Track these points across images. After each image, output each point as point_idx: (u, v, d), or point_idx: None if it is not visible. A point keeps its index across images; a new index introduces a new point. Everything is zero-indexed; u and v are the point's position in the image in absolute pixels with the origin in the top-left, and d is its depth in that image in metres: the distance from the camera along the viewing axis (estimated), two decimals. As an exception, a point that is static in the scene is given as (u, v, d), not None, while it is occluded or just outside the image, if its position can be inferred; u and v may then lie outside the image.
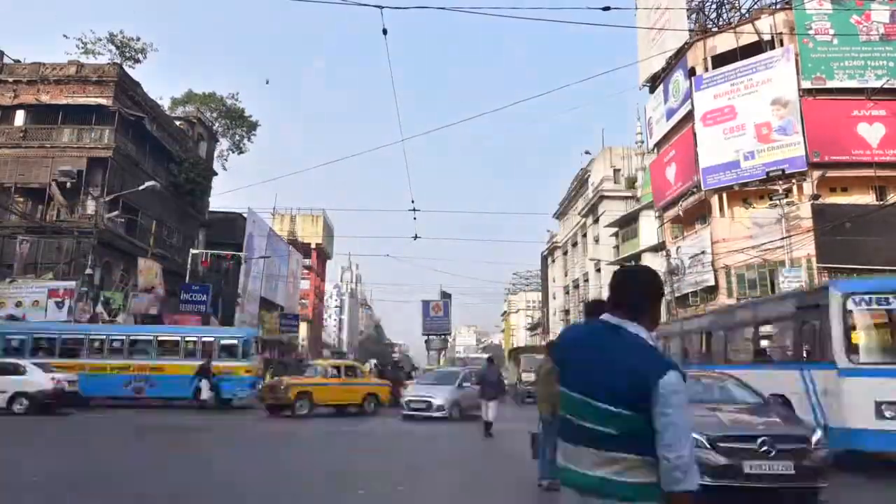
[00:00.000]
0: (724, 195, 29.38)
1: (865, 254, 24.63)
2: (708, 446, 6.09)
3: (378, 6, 10.49)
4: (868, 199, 26.48)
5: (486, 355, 30.65)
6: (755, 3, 31.98)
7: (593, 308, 3.60)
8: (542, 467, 6.94)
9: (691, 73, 31.12)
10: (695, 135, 30.27)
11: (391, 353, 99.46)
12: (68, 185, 26.06)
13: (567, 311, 58.71)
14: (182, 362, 19.24)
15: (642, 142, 44.03)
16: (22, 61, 30.01)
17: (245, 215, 38.97)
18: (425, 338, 59.35)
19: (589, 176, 51.06)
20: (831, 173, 26.97)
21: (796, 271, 25.27)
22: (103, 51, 37.64)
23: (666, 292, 30.15)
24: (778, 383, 9.62)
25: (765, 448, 6.09)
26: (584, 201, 51.94)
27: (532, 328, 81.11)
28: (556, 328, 61.42)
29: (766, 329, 11.82)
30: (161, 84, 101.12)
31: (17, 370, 15.84)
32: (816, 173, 26.82)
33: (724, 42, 30.61)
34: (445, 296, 59.75)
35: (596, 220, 47.59)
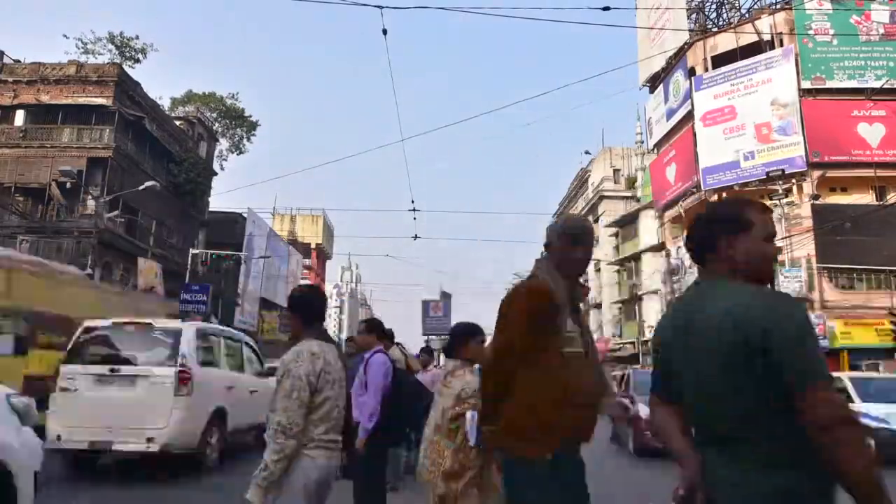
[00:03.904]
0: (724, 195, 29.39)
1: (865, 254, 24.68)
2: None
3: (378, 6, 10.50)
4: (868, 198, 26.50)
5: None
6: (755, 3, 32.03)
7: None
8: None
9: (691, 73, 31.13)
10: (695, 135, 30.29)
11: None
12: (68, 185, 26.00)
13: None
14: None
15: (642, 142, 44.05)
16: (22, 61, 30.00)
17: (245, 215, 38.96)
18: (425, 338, 59.35)
19: (589, 176, 51.09)
20: (831, 173, 26.99)
21: (796, 271, 25.31)
22: (103, 51, 37.68)
23: (666, 292, 29.90)
24: None
25: None
26: (584, 201, 51.96)
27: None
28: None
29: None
30: (161, 84, 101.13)
31: None
32: (816, 173, 26.84)
33: (724, 42, 30.63)
34: (445, 296, 59.70)
35: (596, 220, 47.59)
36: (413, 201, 29.37)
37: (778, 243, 21.99)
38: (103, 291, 15.52)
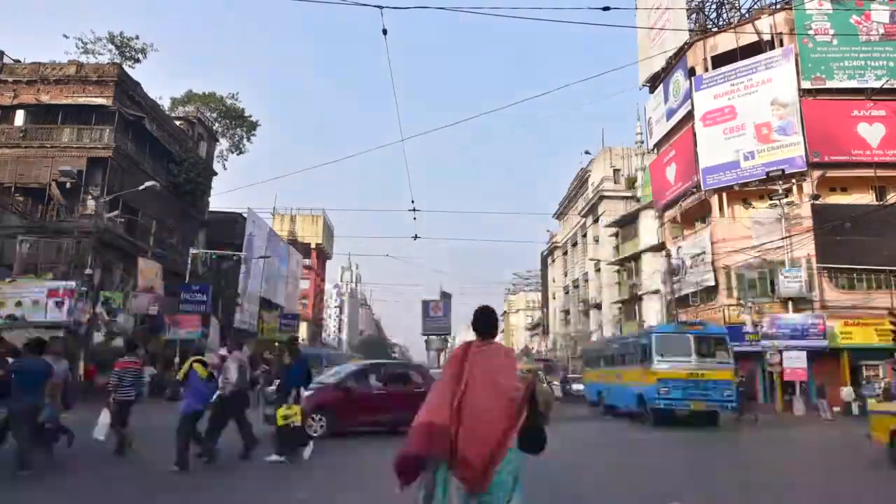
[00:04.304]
0: (724, 195, 29.38)
1: (865, 254, 24.66)
2: None
3: (378, 6, 10.50)
4: (868, 198, 26.49)
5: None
6: (755, 3, 32.01)
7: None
8: None
9: (691, 73, 31.12)
10: (695, 135, 30.28)
11: (392, 352, 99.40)
12: (68, 185, 25.99)
13: (567, 312, 58.70)
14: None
15: (642, 142, 44.03)
16: (22, 61, 29.99)
17: (245, 215, 38.95)
18: (425, 338, 59.31)
19: (589, 176, 51.07)
20: (831, 173, 26.99)
21: (796, 271, 25.29)
22: (103, 51, 37.65)
23: (666, 292, 29.83)
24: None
25: None
26: (584, 201, 51.94)
27: (532, 328, 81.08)
28: (557, 328, 61.41)
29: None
30: (161, 84, 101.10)
31: None
32: (816, 173, 26.84)
33: (724, 42, 30.62)
34: (445, 296, 59.62)
35: (596, 220, 47.59)
36: (413, 201, 29.41)
37: (778, 243, 22.46)
38: None
